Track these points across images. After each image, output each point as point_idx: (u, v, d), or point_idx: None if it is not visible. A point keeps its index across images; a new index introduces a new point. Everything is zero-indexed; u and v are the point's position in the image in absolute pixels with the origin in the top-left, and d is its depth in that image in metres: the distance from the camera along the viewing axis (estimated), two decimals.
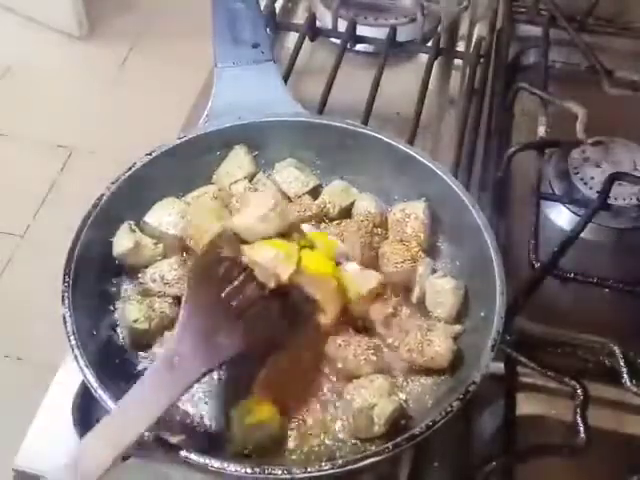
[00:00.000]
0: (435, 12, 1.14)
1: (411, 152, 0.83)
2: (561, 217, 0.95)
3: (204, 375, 0.65)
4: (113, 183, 0.78)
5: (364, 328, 0.75)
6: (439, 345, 0.71)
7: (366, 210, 0.82)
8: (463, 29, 1.16)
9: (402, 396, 0.70)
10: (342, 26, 1.10)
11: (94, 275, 0.75)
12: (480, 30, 1.14)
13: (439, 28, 1.15)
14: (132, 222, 0.79)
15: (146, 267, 0.78)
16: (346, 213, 0.83)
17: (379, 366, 0.71)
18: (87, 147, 2.37)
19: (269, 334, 0.70)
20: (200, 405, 0.70)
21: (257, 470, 0.61)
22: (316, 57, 1.11)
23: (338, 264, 0.76)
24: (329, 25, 1.11)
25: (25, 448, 0.72)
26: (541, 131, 0.96)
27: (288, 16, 1.20)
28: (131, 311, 0.73)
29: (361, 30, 1.10)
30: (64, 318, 0.68)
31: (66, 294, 0.70)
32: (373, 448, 0.64)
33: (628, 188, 0.92)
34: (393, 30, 1.09)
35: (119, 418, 0.60)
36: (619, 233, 0.93)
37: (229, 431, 0.68)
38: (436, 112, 1.05)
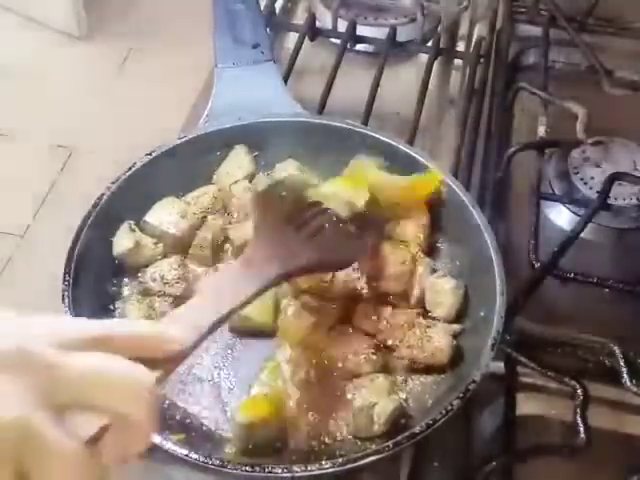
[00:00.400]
0: (435, 12, 1.14)
1: (411, 152, 0.83)
2: (561, 217, 0.94)
3: (278, 280, 0.67)
4: (113, 183, 0.79)
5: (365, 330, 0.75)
6: (439, 341, 0.71)
7: None
8: (463, 29, 1.16)
9: (402, 395, 0.70)
10: (342, 26, 1.10)
11: (94, 275, 0.75)
12: (480, 30, 1.14)
13: (439, 28, 1.15)
14: (132, 222, 0.79)
15: (146, 267, 0.78)
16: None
17: (379, 365, 0.71)
18: (87, 147, 2.37)
19: (340, 256, 0.73)
20: (200, 405, 0.70)
21: (257, 469, 0.61)
22: (316, 57, 1.11)
23: None
24: (329, 25, 1.11)
25: None
26: (541, 131, 0.96)
27: (288, 16, 1.20)
28: (131, 311, 0.74)
29: (361, 30, 1.10)
30: None
31: (66, 294, 0.70)
32: (373, 447, 0.64)
33: (628, 188, 0.92)
34: (393, 30, 1.09)
35: (195, 304, 0.59)
36: (619, 233, 0.93)
37: (229, 430, 0.68)
38: (436, 112, 1.05)
